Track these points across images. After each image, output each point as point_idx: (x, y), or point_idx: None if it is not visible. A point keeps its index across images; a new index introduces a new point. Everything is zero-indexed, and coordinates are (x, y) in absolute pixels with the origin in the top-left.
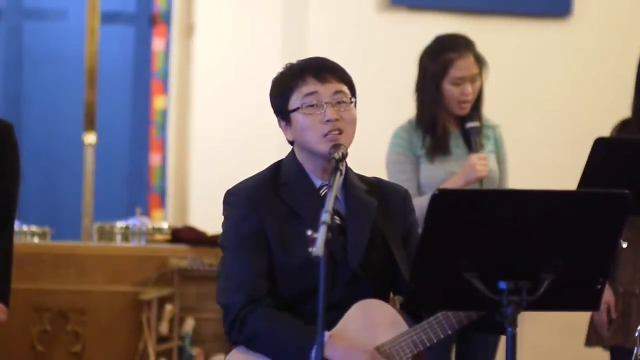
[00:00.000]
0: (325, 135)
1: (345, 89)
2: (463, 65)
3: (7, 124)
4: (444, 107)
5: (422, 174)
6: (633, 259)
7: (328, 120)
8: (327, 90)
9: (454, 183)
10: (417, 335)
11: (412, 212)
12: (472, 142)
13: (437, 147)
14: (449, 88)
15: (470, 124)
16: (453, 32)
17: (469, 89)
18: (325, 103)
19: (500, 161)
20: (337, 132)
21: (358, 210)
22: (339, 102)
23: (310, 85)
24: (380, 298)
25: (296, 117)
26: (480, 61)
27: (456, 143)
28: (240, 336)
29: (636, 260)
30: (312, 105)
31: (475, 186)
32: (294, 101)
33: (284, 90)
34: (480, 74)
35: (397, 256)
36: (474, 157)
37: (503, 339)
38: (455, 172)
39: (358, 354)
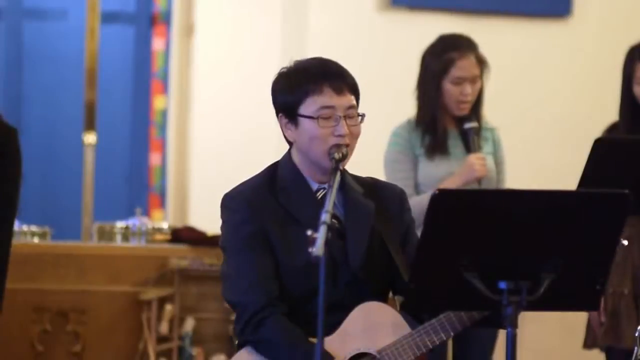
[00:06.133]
0: (331, 149)
1: (355, 102)
2: (464, 65)
3: (12, 128)
4: (444, 106)
5: (420, 173)
6: (622, 260)
7: (339, 135)
8: (342, 103)
9: (452, 183)
10: (419, 337)
11: (409, 211)
12: (470, 142)
13: (436, 147)
14: (449, 87)
15: (468, 125)
16: (456, 32)
17: (469, 89)
18: (340, 117)
19: (499, 163)
20: (342, 146)
21: (356, 213)
22: (349, 117)
23: (327, 98)
24: (380, 299)
25: (306, 123)
26: (481, 62)
27: (455, 143)
28: (254, 336)
29: (625, 261)
30: (327, 118)
31: (474, 186)
32: (308, 107)
33: (296, 91)
34: (481, 75)
35: (396, 257)
36: (473, 157)
37: (500, 339)
38: (454, 171)
39: None
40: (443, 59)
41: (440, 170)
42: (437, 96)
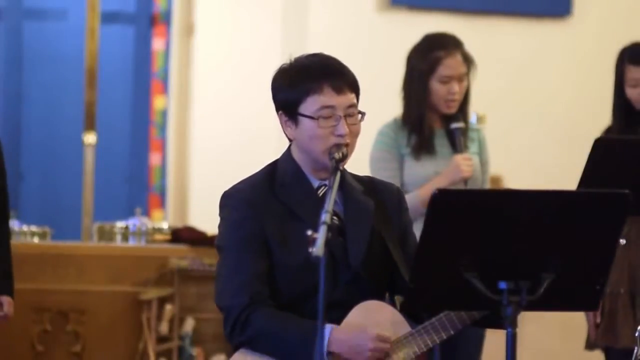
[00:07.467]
0: (331, 148)
1: (355, 100)
2: (451, 64)
3: None
4: (431, 105)
5: (406, 172)
6: (620, 259)
7: (339, 135)
8: (342, 103)
9: (438, 183)
10: (420, 336)
11: (406, 210)
12: (456, 142)
13: (423, 146)
14: (436, 86)
15: (454, 125)
16: (442, 31)
17: (456, 87)
18: (340, 117)
19: (484, 163)
20: (343, 146)
21: (356, 211)
22: (349, 115)
23: (328, 97)
24: (379, 297)
25: (306, 122)
26: (468, 61)
27: (441, 143)
28: (243, 336)
29: (622, 260)
30: (327, 118)
31: (460, 186)
32: (308, 106)
33: (296, 89)
34: (467, 73)
35: (396, 256)
36: (459, 158)
37: (487, 338)
38: (440, 171)
39: (364, 343)
40: (429, 58)
41: (427, 170)
42: (424, 96)
